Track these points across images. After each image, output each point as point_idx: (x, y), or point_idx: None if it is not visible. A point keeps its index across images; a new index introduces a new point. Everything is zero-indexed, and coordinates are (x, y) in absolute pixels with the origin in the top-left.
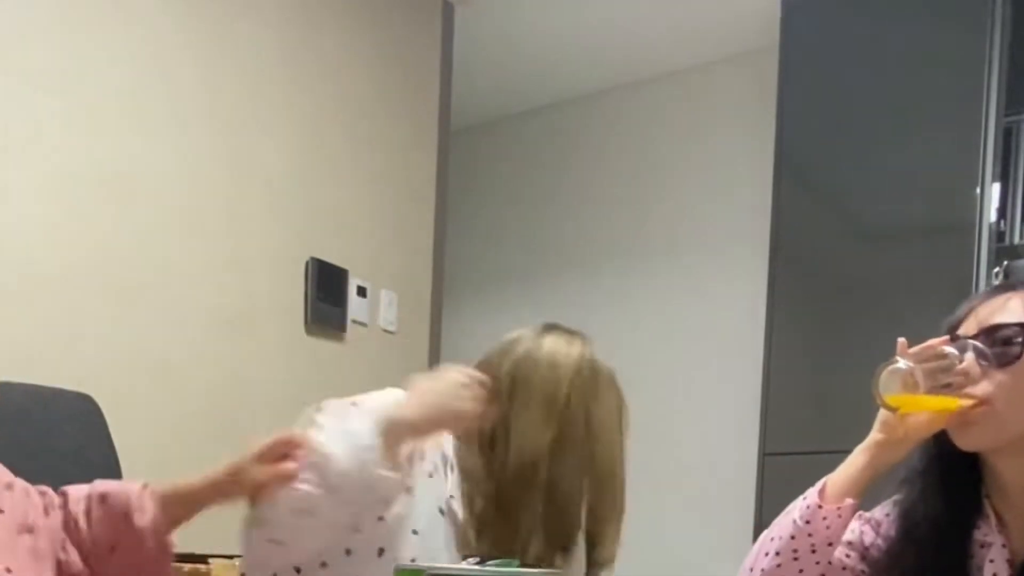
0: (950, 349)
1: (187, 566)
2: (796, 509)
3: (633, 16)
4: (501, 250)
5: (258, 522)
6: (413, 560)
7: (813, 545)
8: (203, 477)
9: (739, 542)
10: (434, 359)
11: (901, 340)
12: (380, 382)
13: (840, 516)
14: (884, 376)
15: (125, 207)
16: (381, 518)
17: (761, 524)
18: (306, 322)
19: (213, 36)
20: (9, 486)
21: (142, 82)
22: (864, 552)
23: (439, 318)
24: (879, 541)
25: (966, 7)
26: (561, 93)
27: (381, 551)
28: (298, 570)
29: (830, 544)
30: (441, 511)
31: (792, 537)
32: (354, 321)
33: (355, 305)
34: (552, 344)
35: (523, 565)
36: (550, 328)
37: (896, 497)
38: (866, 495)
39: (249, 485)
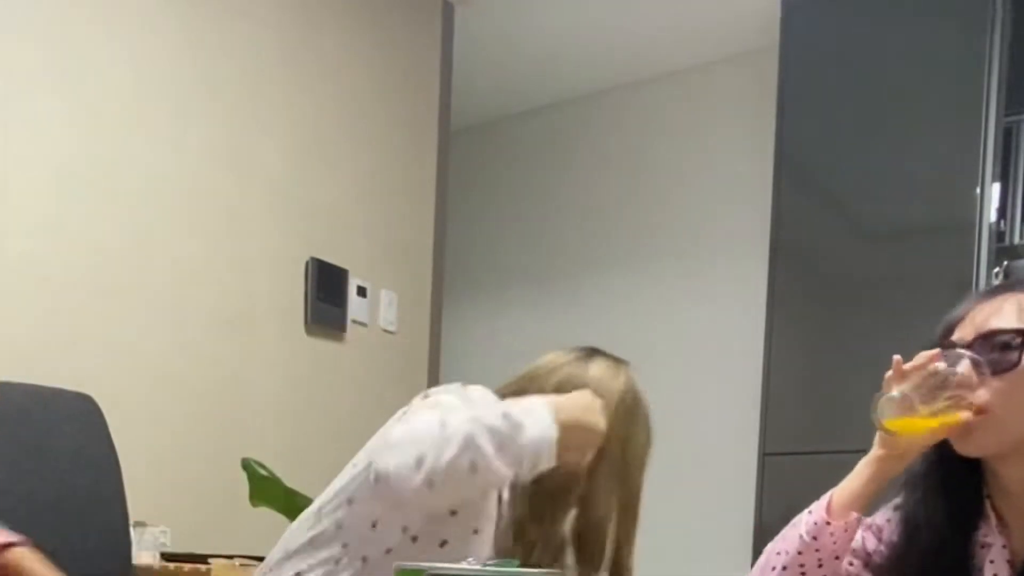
0: (941, 365)
1: (187, 566)
2: (803, 524)
3: (633, 16)
4: (501, 250)
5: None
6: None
7: (820, 560)
8: None
9: (739, 542)
10: (434, 359)
11: (896, 358)
12: (380, 382)
13: (847, 531)
14: (881, 404)
15: (125, 207)
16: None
17: (761, 524)
18: (306, 322)
19: (213, 36)
20: None
21: (142, 82)
22: (867, 559)
23: (439, 318)
24: (881, 547)
25: (966, 7)
26: (561, 93)
27: (443, 543)
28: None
29: (837, 558)
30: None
31: (799, 552)
32: (354, 321)
33: (355, 305)
34: (599, 371)
35: (523, 565)
36: (593, 353)
37: (896, 501)
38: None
39: None
